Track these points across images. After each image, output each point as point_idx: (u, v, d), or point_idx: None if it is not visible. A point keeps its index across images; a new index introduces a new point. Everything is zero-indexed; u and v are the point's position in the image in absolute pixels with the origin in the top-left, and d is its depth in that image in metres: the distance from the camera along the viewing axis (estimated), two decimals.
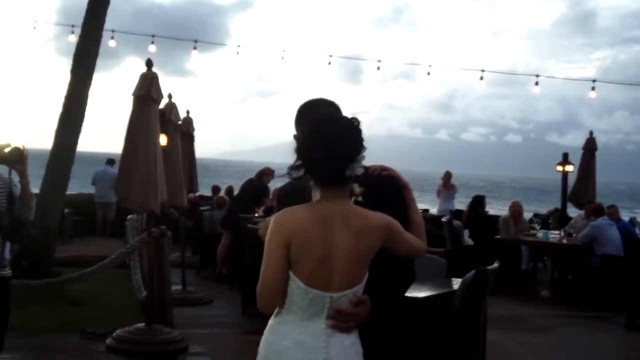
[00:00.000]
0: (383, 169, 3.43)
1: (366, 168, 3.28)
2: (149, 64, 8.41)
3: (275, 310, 3.01)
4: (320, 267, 2.92)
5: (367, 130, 3.07)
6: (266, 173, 13.38)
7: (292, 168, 2.98)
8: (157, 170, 8.26)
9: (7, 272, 5.34)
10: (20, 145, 5.18)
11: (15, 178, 5.28)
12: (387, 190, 3.35)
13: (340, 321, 2.99)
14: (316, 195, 3.05)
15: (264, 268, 2.95)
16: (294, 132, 3.32)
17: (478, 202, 14.52)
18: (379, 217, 3.03)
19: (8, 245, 5.30)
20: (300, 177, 3.00)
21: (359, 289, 3.02)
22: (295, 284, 2.93)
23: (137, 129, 8.28)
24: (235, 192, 14.93)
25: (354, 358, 3.06)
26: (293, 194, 3.34)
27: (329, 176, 2.96)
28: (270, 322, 3.04)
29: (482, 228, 13.88)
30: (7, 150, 5.15)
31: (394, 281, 3.33)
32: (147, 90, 8.22)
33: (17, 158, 5.15)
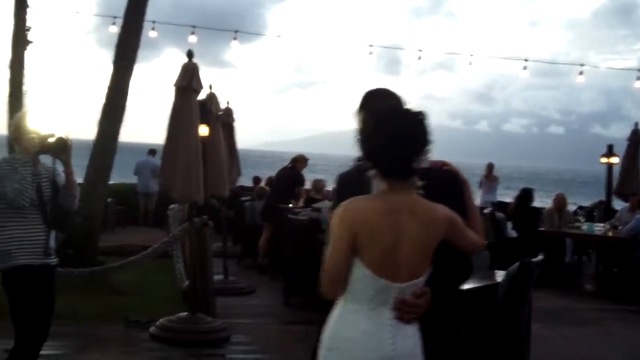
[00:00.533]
0: (444, 164, 3.46)
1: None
2: (190, 54, 8.43)
3: (340, 300, 3.02)
4: (388, 257, 2.94)
5: None
6: (300, 160, 13.33)
7: (361, 159, 3.02)
8: (198, 160, 8.28)
9: (53, 260, 5.38)
10: (64, 136, 5.22)
11: (59, 167, 5.33)
12: (447, 185, 3.38)
13: (404, 312, 3.00)
14: (380, 186, 3.04)
15: (330, 254, 2.97)
16: (355, 120, 3.31)
17: (527, 195, 14.24)
18: (444, 210, 3.06)
19: (53, 234, 5.34)
20: (364, 169, 3.02)
21: (422, 280, 3.04)
22: (362, 273, 2.95)
23: (178, 119, 8.30)
24: None
25: (416, 350, 3.07)
26: (352, 183, 3.35)
27: (396, 169, 2.98)
28: (336, 311, 3.04)
29: (527, 220, 13.71)
30: (51, 140, 5.18)
31: (452, 274, 3.37)
32: (189, 80, 8.24)
33: (62, 148, 5.19)
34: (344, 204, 2.99)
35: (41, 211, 5.18)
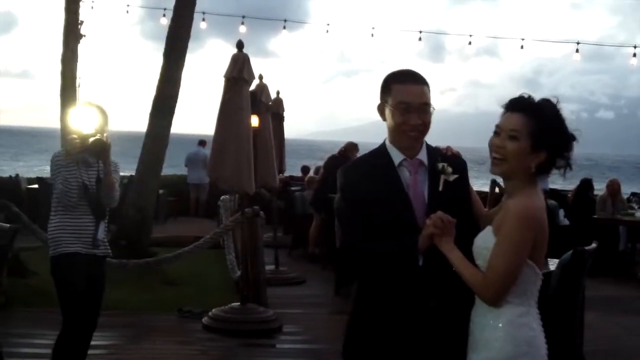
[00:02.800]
0: (449, 148, 3.44)
1: (437, 148, 3.35)
2: (240, 45, 8.44)
3: (510, 303, 2.98)
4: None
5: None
6: (349, 149, 13.13)
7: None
8: (249, 151, 8.30)
9: (103, 251, 5.48)
10: (103, 137, 5.29)
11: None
12: (462, 169, 3.34)
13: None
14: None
15: (512, 260, 2.92)
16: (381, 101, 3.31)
17: (587, 185, 13.95)
18: None
19: (103, 225, 5.44)
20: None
21: None
22: (533, 271, 2.99)
23: (228, 110, 8.33)
24: None
25: None
26: (363, 175, 3.33)
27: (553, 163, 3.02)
28: (510, 317, 2.98)
29: (583, 208, 13.48)
30: (91, 140, 5.24)
31: None
32: (239, 71, 8.25)
33: (100, 149, 5.27)
34: (526, 208, 2.94)
35: (91, 205, 5.33)
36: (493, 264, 2.92)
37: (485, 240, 3.00)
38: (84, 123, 5.32)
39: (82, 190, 5.27)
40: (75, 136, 5.26)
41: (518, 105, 2.97)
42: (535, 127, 2.90)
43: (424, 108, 3.17)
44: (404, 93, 3.17)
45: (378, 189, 3.17)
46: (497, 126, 3.01)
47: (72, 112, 5.46)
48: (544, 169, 2.99)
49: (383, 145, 3.29)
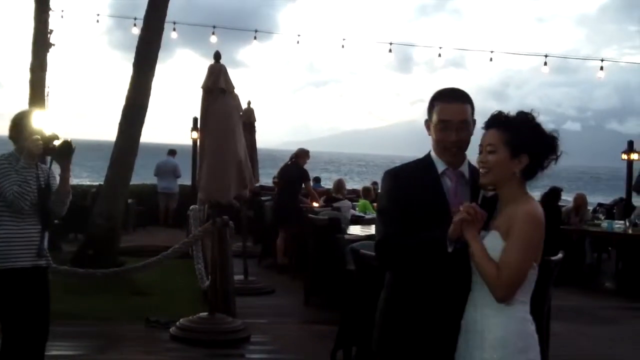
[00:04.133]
0: None
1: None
2: (217, 56, 8.46)
3: (520, 302, 3.21)
4: None
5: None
6: (300, 155, 13.08)
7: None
8: (225, 160, 8.31)
9: (46, 261, 5.22)
10: (69, 139, 5.07)
11: (56, 170, 5.23)
12: None
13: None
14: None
15: (525, 258, 3.17)
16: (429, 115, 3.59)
17: (555, 194, 14.04)
18: None
19: (46, 235, 5.20)
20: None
21: None
22: (535, 271, 3.24)
23: (205, 120, 8.36)
24: None
25: None
26: (411, 180, 3.57)
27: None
28: (521, 314, 3.22)
29: (549, 218, 13.57)
30: (57, 143, 5.02)
31: None
32: (215, 81, 8.27)
33: (67, 152, 5.06)
34: (537, 210, 3.24)
35: (39, 213, 5.08)
36: (507, 261, 3.13)
37: (493, 244, 3.19)
38: (46, 125, 5.08)
39: (38, 195, 5.02)
40: (38, 137, 4.96)
41: (492, 122, 3.28)
42: (509, 137, 3.20)
43: (462, 125, 3.44)
44: (444, 111, 3.44)
45: (421, 192, 3.43)
46: (480, 145, 3.31)
47: (36, 113, 5.17)
48: (530, 172, 3.27)
49: (428, 156, 3.56)
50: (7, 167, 4.97)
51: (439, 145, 3.46)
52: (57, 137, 5.04)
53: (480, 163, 3.29)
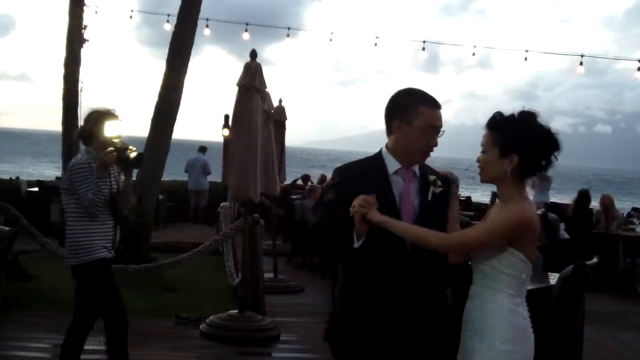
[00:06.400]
0: (445, 171, 3.77)
1: (426, 164, 3.69)
2: (254, 54, 8.44)
3: (506, 294, 3.28)
4: None
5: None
6: None
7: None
8: (256, 158, 8.31)
9: (113, 254, 5.67)
10: (140, 151, 5.55)
11: (120, 176, 5.65)
12: (449, 186, 3.65)
13: None
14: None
15: (485, 236, 3.30)
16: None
17: (585, 198, 13.92)
18: None
19: (119, 230, 5.66)
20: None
21: None
22: (520, 259, 3.29)
23: (239, 117, 8.35)
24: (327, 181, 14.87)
25: None
26: (358, 176, 3.61)
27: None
28: (508, 306, 3.29)
29: (582, 222, 13.44)
30: (131, 155, 5.43)
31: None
32: (251, 80, 8.27)
33: (137, 164, 5.56)
34: (517, 208, 3.28)
35: (111, 210, 5.50)
36: (467, 230, 3.40)
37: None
38: (113, 134, 5.44)
39: (109, 200, 5.45)
40: (112, 149, 5.35)
41: (487, 123, 3.39)
42: (498, 137, 3.30)
43: (439, 130, 3.54)
44: (434, 117, 3.51)
45: (369, 190, 3.38)
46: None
47: (108, 122, 5.45)
48: (524, 171, 3.31)
49: (380, 154, 3.60)
50: (87, 171, 5.35)
51: (419, 148, 3.51)
52: (130, 150, 5.47)
53: (478, 162, 3.41)
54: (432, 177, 3.54)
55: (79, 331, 5.62)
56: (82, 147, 5.61)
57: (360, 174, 3.55)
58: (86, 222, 5.41)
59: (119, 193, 5.58)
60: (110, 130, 5.43)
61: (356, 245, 3.29)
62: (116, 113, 5.61)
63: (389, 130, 3.57)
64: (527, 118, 3.30)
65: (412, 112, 3.48)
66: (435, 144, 3.52)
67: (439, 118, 3.52)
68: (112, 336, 5.71)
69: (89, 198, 5.28)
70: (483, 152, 3.37)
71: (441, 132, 3.53)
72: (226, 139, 11.03)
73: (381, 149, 3.61)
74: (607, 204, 13.83)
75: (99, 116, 5.50)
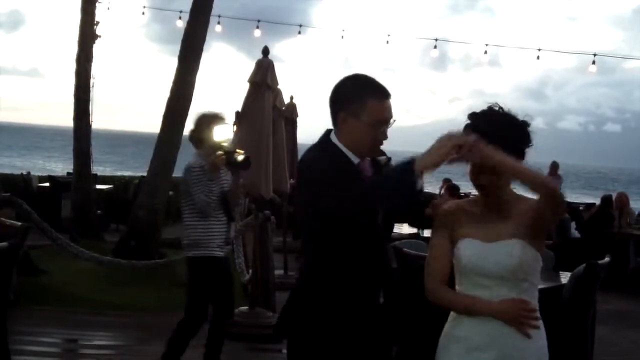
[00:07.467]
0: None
1: None
2: (266, 51, 8.44)
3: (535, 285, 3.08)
4: None
5: (464, 117, 3.08)
6: None
7: None
8: (268, 155, 8.31)
9: (228, 248, 6.20)
10: (248, 155, 5.79)
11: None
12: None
13: None
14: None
15: None
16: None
17: (608, 203, 13.79)
18: None
19: (232, 226, 6.12)
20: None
21: None
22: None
23: (249, 114, 8.35)
24: None
25: None
26: (327, 169, 3.35)
27: None
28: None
29: (602, 224, 13.35)
30: (238, 157, 5.68)
31: None
32: (262, 76, 8.26)
33: (245, 166, 5.81)
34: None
35: (224, 208, 5.87)
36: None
37: (523, 251, 2.96)
38: (222, 138, 5.80)
39: (221, 200, 5.81)
40: (222, 152, 5.67)
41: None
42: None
43: (389, 122, 3.26)
44: (382, 111, 3.22)
45: (344, 179, 3.12)
46: None
47: (216, 128, 5.79)
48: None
49: (338, 148, 3.26)
50: (201, 175, 5.72)
51: (368, 143, 3.22)
52: (238, 153, 5.75)
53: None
54: (383, 158, 3.36)
55: (192, 320, 6.00)
56: (194, 150, 5.99)
57: (332, 164, 3.17)
58: (204, 221, 5.78)
59: (230, 193, 5.92)
60: (219, 134, 5.78)
61: (420, 186, 2.83)
62: (224, 117, 5.97)
63: (335, 122, 3.27)
64: (492, 111, 3.05)
65: (359, 105, 3.19)
66: (385, 137, 3.25)
67: (389, 109, 3.23)
68: (215, 327, 6.10)
69: (202, 199, 5.66)
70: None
71: (391, 122, 3.24)
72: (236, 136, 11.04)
73: (336, 143, 3.26)
74: (623, 202, 13.75)
75: (208, 121, 5.85)
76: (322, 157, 3.24)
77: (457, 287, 3.06)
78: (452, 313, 3.10)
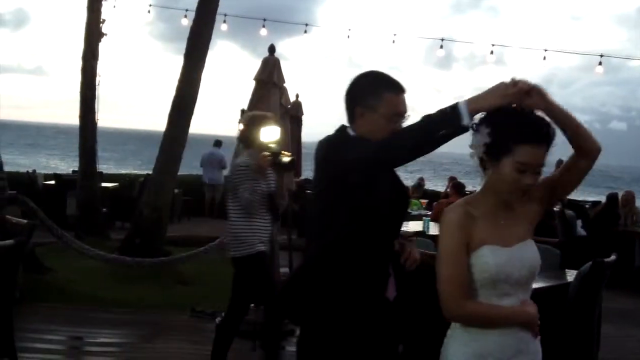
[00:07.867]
0: None
1: None
2: (272, 49, 8.44)
3: None
4: None
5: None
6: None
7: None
8: None
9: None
10: (292, 156, 6.00)
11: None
12: None
13: None
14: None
15: None
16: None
17: (614, 202, 13.77)
18: None
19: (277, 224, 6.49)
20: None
21: None
22: None
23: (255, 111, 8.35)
24: None
25: None
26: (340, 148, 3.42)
27: None
28: None
29: (608, 222, 13.34)
30: (285, 160, 5.82)
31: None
32: (269, 74, 8.26)
33: (289, 168, 6.12)
34: None
35: (269, 207, 6.06)
36: None
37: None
38: (270, 139, 5.94)
39: (266, 199, 5.98)
40: (268, 153, 5.81)
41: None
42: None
43: (404, 116, 3.31)
44: (398, 104, 3.28)
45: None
46: None
47: (264, 129, 5.94)
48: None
49: (347, 132, 3.32)
50: (246, 173, 5.87)
51: (385, 133, 3.13)
52: (284, 154, 5.88)
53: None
54: None
55: (235, 316, 6.22)
56: (243, 150, 6.23)
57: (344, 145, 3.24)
58: (248, 219, 5.93)
59: (276, 192, 6.19)
60: (267, 135, 5.93)
61: (467, 122, 2.72)
62: (273, 118, 6.19)
63: (351, 117, 3.32)
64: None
65: (375, 98, 3.25)
66: (399, 128, 3.24)
67: (404, 103, 3.30)
68: (228, 324, 6.28)
69: (246, 197, 5.81)
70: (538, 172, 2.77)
71: (406, 117, 3.28)
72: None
73: (348, 134, 3.31)
74: (629, 200, 13.73)
75: (257, 121, 6.02)
76: (341, 138, 3.31)
77: (476, 299, 2.79)
78: (462, 330, 2.83)
